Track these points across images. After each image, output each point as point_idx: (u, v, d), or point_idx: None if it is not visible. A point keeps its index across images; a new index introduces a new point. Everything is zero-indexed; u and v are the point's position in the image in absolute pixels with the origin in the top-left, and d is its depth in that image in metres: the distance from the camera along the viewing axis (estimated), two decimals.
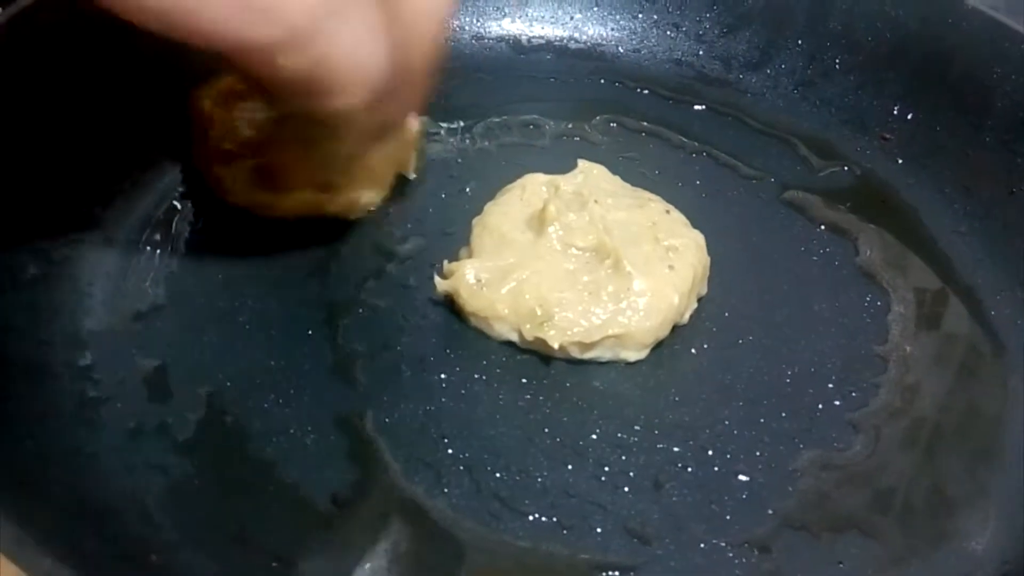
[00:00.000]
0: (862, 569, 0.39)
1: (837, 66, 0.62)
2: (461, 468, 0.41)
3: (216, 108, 0.52)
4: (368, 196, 0.51)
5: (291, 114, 0.47)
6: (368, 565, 0.38)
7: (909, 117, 0.59)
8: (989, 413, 0.46)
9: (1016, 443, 0.44)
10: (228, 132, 0.51)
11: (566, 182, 0.50)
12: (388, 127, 0.45)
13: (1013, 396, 0.46)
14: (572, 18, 0.66)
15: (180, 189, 0.53)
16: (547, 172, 0.51)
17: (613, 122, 0.60)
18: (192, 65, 0.48)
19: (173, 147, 0.54)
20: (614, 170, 0.53)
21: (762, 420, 0.44)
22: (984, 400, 0.46)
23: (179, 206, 0.52)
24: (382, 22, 0.39)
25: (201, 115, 0.52)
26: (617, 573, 0.38)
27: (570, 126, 0.60)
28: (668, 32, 0.65)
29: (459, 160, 0.57)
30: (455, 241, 0.50)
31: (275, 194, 0.50)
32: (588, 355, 0.46)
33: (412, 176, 0.54)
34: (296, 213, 0.50)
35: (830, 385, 0.46)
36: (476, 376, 0.45)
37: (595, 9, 0.66)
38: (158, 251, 0.49)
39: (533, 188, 0.50)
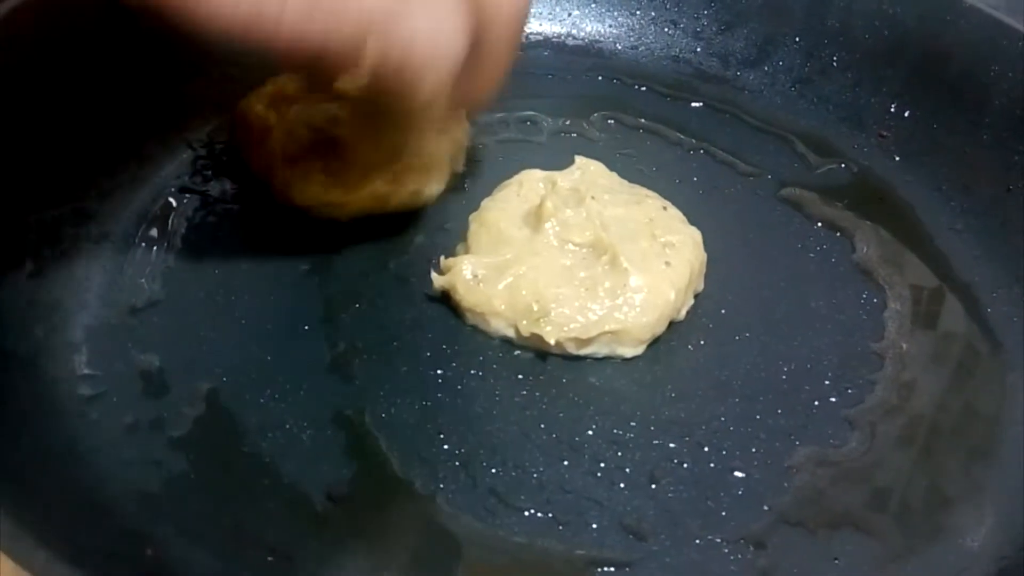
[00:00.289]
0: (858, 566, 0.39)
1: (835, 63, 0.62)
2: (457, 464, 0.41)
3: (271, 112, 0.51)
4: (431, 186, 0.51)
5: (357, 109, 0.47)
6: (364, 561, 0.38)
7: (907, 114, 0.59)
8: (985, 410, 0.46)
9: (1012, 440, 0.44)
10: (290, 135, 0.50)
11: (563, 178, 0.50)
12: (463, 109, 0.44)
13: (1010, 393, 0.46)
14: (570, 15, 0.66)
15: (176, 185, 0.53)
16: (544, 168, 0.51)
17: (610, 119, 0.60)
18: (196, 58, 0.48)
19: (170, 142, 0.54)
20: (611, 166, 0.53)
21: (758, 416, 0.44)
22: (980, 397, 0.46)
23: (175, 202, 0.52)
24: (464, 10, 0.38)
25: (256, 122, 0.51)
26: (612, 569, 0.38)
27: (567, 122, 0.60)
28: (666, 29, 0.65)
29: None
30: (452, 237, 0.50)
31: (345, 191, 0.50)
32: (584, 351, 0.46)
33: (461, 168, 0.53)
34: (364, 209, 0.50)
35: (826, 382, 0.46)
36: (473, 372, 0.45)
37: (593, 6, 0.66)
38: (154, 247, 0.49)
39: (530, 184, 0.50)
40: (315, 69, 0.39)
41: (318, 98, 0.51)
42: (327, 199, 0.50)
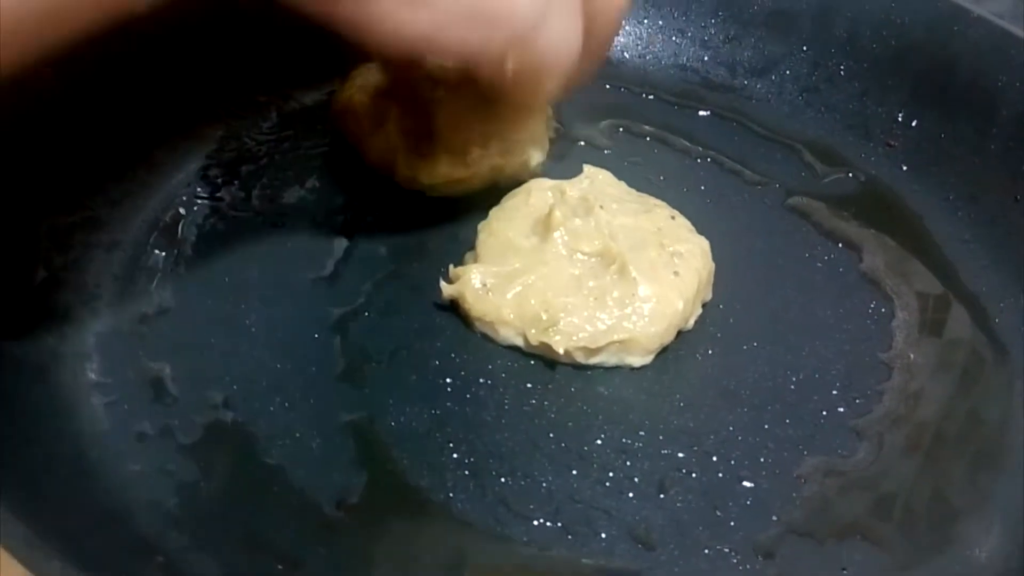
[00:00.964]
0: None
1: (842, 72, 0.62)
2: (466, 472, 0.42)
3: (379, 100, 0.53)
4: (536, 156, 0.54)
5: (468, 91, 0.49)
6: (374, 569, 0.38)
7: (914, 124, 0.59)
8: (993, 420, 0.46)
9: (1020, 450, 0.44)
10: (404, 120, 0.52)
11: (571, 187, 0.50)
12: (565, 91, 0.47)
13: (1017, 403, 0.46)
14: None
15: (187, 192, 0.53)
16: (553, 177, 0.52)
17: (619, 127, 0.60)
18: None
19: (180, 150, 0.54)
20: (619, 175, 0.53)
21: (766, 426, 0.44)
22: (988, 407, 0.46)
23: (186, 210, 0.52)
24: (578, 7, 0.42)
25: (366, 112, 0.53)
26: None
27: (576, 131, 0.60)
28: (673, 38, 0.66)
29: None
30: (461, 246, 0.50)
31: (466, 168, 0.52)
32: (593, 360, 0.46)
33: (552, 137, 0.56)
34: (483, 182, 0.53)
35: (834, 392, 0.46)
36: (481, 381, 0.45)
37: None
38: (165, 254, 0.50)
39: (539, 193, 0.50)
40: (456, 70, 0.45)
41: (419, 85, 0.52)
42: (454, 176, 0.52)
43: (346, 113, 0.55)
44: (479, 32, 0.39)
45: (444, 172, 0.52)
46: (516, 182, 0.52)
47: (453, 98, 0.51)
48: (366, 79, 0.55)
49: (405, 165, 0.52)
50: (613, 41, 0.46)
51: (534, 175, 0.53)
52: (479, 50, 0.40)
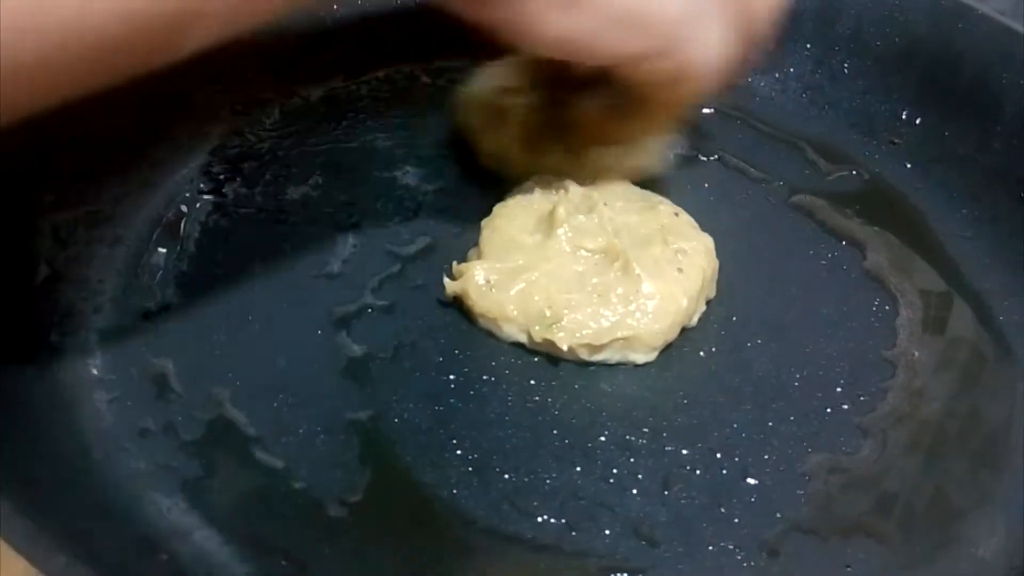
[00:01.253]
0: (869, 573, 0.39)
1: (846, 70, 0.62)
2: (470, 469, 0.41)
3: (502, 98, 0.54)
4: (647, 163, 0.54)
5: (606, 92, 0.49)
6: (378, 566, 0.38)
7: (918, 122, 0.59)
8: (997, 418, 0.46)
9: (1023, 448, 0.44)
10: (532, 116, 0.53)
11: (575, 184, 0.50)
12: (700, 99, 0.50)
13: (1020, 401, 0.46)
14: None
15: (190, 189, 0.53)
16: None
17: None
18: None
19: (183, 147, 0.54)
20: None
21: (770, 423, 0.44)
22: (992, 405, 0.46)
23: (189, 207, 0.52)
24: (733, 15, 0.43)
25: (486, 109, 0.54)
26: (626, 575, 0.39)
27: None
28: None
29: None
30: (464, 242, 0.50)
31: (580, 165, 0.52)
32: (597, 357, 0.46)
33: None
34: (601, 179, 0.52)
35: (838, 389, 0.46)
36: (485, 377, 0.45)
37: None
38: (168, 251, 0.50)
39: (542, 190, 0.50)
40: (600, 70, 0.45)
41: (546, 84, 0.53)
42: (562, 170, 0.52)
43: (468, 106, 0.55)
44: (630, 37, 0.40)
45: (553, 167, 0.52)
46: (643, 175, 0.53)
47: (589, 98, 0.51)
48: (491, 75, 0.55)
49: (519, 160, 0.53)
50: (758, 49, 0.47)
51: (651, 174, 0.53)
52: (628, 54, 0.41)
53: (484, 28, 0.40)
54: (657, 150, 0.54)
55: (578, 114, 0.51)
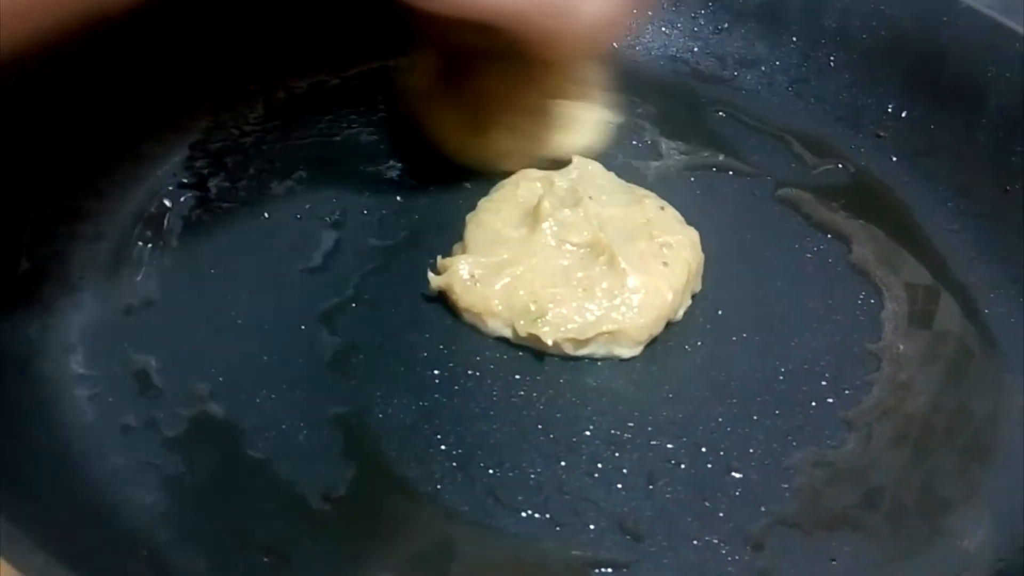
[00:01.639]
0: (854, 567, 0.39)
1: (832, 63, 0.62)
2: (454, 464, 0.41)
3: (437, 82, 0.54)
4: (585, 137, 0.54)
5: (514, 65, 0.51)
6: (361, 561, 0.38)
7: (903, 115, 0.59)
8: (982, 411, 0.46)
9: (1009, 441, 0.44)
10: (456, 96, 0.53)
11: (560, 178, 0.50)
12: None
13: (1007, 394, 0.46)
14: None
15: (172, 184, 0.52)
16: (542, 168, 0.51)
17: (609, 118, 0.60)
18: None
19: (166, 141, 0.54)
20: (607, 166, 0.53)
21: (755, 417, 0.44)
22: (977, 398, 0.46)
23: (171, 201, 0.52)
24: None
25: (423, 95, 0.55)
26: (610, 570, 0.38)
27: None
28: (663, 29, 0.65)
29: None
30: (448, 237, 0.50)
31: (529, 141, 0.53)
32: (581, 352, 0.46)
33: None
34: (533, 158, 0.53)
35: (823, 383, 0.46)
36: (470, 372, 0.45)
37: None
38: (150, 246, 0.49)
39: (527, 184, 0.50)
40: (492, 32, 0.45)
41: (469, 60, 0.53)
42: (523, 150, 0.53)
43: (406, 96, 0.56)
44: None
45: (495, 146, 0.53)
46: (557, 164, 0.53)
47: (499, 71, 0.52)
48: (426, 63, 0.55)
49: (455, 140, 0.54)
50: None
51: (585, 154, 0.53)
52: (514, 11, 0.42)
53: None
54: (591, 122, 0.54)
55: (481, 88, 0.52)
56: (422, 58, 0.55)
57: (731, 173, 0.57)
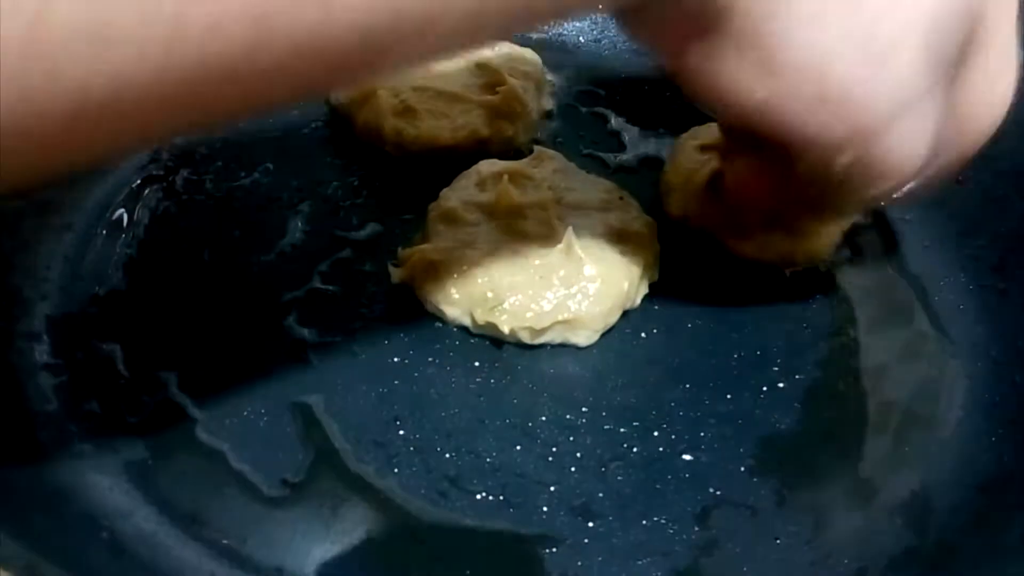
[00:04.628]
0: (798, 545, 0.40)
1: None
2: (412, 449, 0.42)
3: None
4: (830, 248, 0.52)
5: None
6: (318, 545, 0.39)
7: None
8: (929, 396, 0.47)
9: (953, 425, 0.46)
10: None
11: (521, 168, 0.51)
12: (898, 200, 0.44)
13: (952, 379, 0.47)
14: None
15: (140, 175, 0.53)
16: (503, 158, 0.52)
17: (570, 109, 0.61)
18: None
19: None
20: (570, 157, 0.54)
21: (707, 402, 0.45)
22: (925, 383, 0.47)
23: (138, 192, 0.52)
24: (941, 115, 0.37)
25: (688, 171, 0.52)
26: (556, 549, 0.39)
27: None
28: None
29: None
30: (411, 226, 0.51)
31: (791, 240, 0.50)
32: (539, 340, 0.47)
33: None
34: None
35: (775, 368, 0.47)
36: (429, 359, 0.46)
37: None
38: (116, 236, 0.50)
39: (488, 174, 0.51)
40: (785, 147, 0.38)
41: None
42: (776, 250, 0.50)
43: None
44: (822, 116, 0.35)
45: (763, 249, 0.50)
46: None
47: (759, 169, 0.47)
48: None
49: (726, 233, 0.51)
50: (970, 160, 0.42)
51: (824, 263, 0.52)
52: (815, 135, 0.36)
53: (671, 75, 0.37)
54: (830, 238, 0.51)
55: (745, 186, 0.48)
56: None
57: None
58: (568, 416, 0.44)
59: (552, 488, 0.42)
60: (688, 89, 0.37)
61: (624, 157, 0.57)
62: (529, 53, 0.60)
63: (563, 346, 0.47)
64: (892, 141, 0.36)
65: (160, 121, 0.26)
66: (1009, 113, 0.41)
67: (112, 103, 0.23)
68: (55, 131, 0.24)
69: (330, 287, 0.49)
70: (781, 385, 0.46)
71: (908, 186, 0.40)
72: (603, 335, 0.47)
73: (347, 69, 0.28)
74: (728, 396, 0.46)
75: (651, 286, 0.50)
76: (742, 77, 0.35)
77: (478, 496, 0.41)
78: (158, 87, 0.24)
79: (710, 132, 0.53)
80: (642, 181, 0.55)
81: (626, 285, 0.47)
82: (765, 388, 0.46)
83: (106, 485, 0.40)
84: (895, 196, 0.41)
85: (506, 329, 0.46)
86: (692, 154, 0.53)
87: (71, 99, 0.23)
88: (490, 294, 0.46)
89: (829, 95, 0.35)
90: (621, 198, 0.52)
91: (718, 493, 0.42)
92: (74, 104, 0.23)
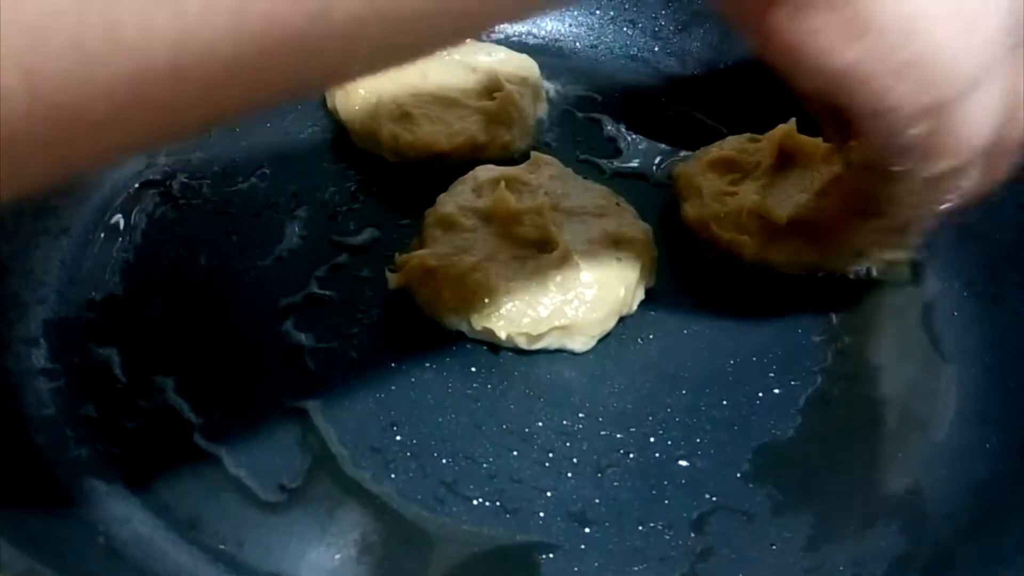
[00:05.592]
0: (794, 551, 0.41)
1: None
2: (408, 454, 0.42)
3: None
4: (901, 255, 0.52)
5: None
6: (315, 550, 0.39)
7: None
8: (923, 401, 0.47)
9: (948, 431, 0.46)
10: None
11: (518, 174, 0.51)
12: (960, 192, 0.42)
13: (945, 385, 0.47)
14: None
15: (136, 180, 0.53)
16: (500, 164, 0.53)
17: (567, 115, 0.61)
18: None
19: None
20: (566, 162, 0.54)
21: (703, 407, 0.45)
22: (918, 389, 0.48)
23: (135, 197, 0.52)
24: (1013, 87, 0.37)
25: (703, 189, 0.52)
26: (552, 555, 0.40)
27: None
28: (625, 28, 0.66)
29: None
30: (408, 232, 0.51)
31: (823, 253, 0.50)
32: (535, 346, 0.47)
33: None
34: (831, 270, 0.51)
35: (771, 374, 0.47)
36: (427, 365, 0.46)
37: None
38: (113, 241, 0.50)
39: (485, 180, 0.51)
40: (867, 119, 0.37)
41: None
42: (801, 259, 0.50)
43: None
44: (907, 83, 0.35)
45: (792, 257, 0.50)
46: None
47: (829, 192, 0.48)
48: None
49: (752, 244, 0.50)
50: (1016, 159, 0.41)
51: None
52: (896, 100, 0.35)
53: (754, 38, 0.36)
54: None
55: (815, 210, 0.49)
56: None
57: None
58: (564, 422, 0.44)
59: (548, 494, 0.42)
60: (770, 51, 0.36)
61: (620, 163, 0.58)
62: (526, 59, 0.60)
63: (560, 352, 0.47)
64: (967, 110, 0.36)
65: (223, 95, 0.25)
66: None
67: (173, 69, 0.22)
68: (120, 100, 0.22)
69: (327, 292, 0.49)
70: (777, 392, 0.46)
71: (964, 184, 0.40)
72: (600, 341, 0.48)
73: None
74: (724, 402, 0.46)
75: (648, 292, 0.50)
76: (830, 38, 0.34)
77: (475, 501, 0.41)
78: (224, 53, 0.23)
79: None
80: (638, 187, 0.55)
81: (622, 291, 0.47)
82: (761, 395, 0.46)
83: (103, 490, 0.40)
84: (948, 197, 0.41)
85: (503, 335, 0.46)
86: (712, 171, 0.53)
87: (133, 59, 0.22)
88: (487, 300, 0.46)
89: (917, 58, 0.34)
90: (617, 204, 0.52)
91: (714, 499, 0.42)
92: (136, 65, 0.22)
